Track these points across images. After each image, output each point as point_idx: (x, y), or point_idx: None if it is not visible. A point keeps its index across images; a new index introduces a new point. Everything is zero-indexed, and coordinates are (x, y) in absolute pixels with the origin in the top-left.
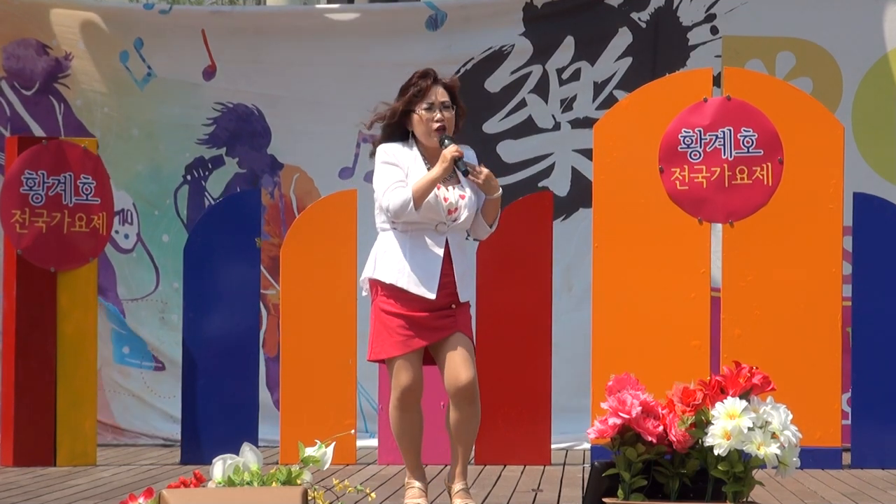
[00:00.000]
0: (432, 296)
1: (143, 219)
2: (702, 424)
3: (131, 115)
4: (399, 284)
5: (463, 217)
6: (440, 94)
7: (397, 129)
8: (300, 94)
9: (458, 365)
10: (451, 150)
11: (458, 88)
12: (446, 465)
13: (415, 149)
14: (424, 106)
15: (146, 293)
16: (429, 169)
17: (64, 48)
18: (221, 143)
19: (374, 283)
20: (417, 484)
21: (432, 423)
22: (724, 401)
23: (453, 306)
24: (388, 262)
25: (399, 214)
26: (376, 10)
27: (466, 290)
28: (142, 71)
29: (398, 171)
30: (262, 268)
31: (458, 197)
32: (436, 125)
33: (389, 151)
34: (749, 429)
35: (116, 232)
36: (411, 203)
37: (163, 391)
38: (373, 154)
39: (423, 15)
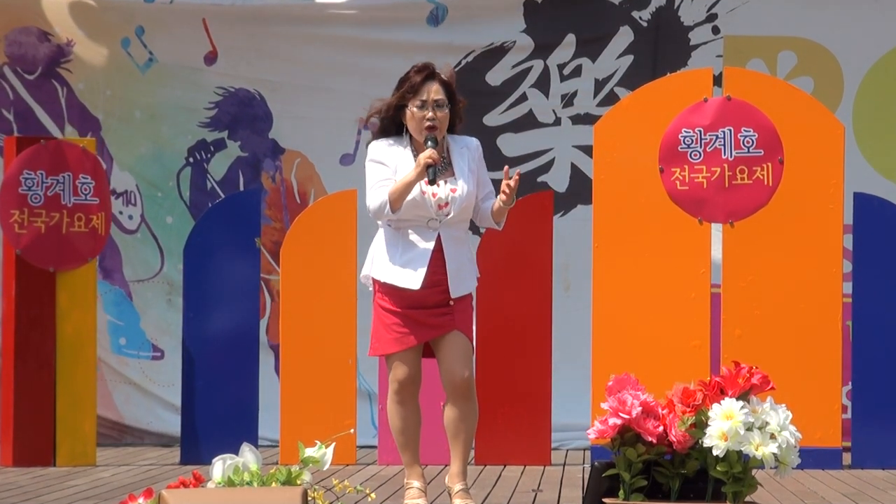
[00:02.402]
0: (416, 287)
1: (146, 201)
2: (702, 425)
3: (133, 98)
4: (389, 281)
5: (455, 211)
6: (434, 92)
7: (391, 123)
8: (301, 81)
9: (454, 363)
10: (425, 156)
11: (455, 83)
12: (446, 465)
13: (407, 145)
14: (417, 103)
15: (152, 274)
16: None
17: (66, 35)
18: (223, 126)
19: (374, 280)
20: (416, 484)
21: (433, 424)
22: (721, 402)
23: (451, 303)
24: (381, 259)
25: (378, 215)
26: (378, 6)
27: (462, 285)
28: (143, 56)
29: (385, 169)
30: (264, 252)
31: (450, 191)
32: (427, 124)
33: (378, 149)
34: (747, 429)
35: (120, 213)
36: (388, 206)
37: (161, 380)
38: (371, 140)
39: (424, 11)
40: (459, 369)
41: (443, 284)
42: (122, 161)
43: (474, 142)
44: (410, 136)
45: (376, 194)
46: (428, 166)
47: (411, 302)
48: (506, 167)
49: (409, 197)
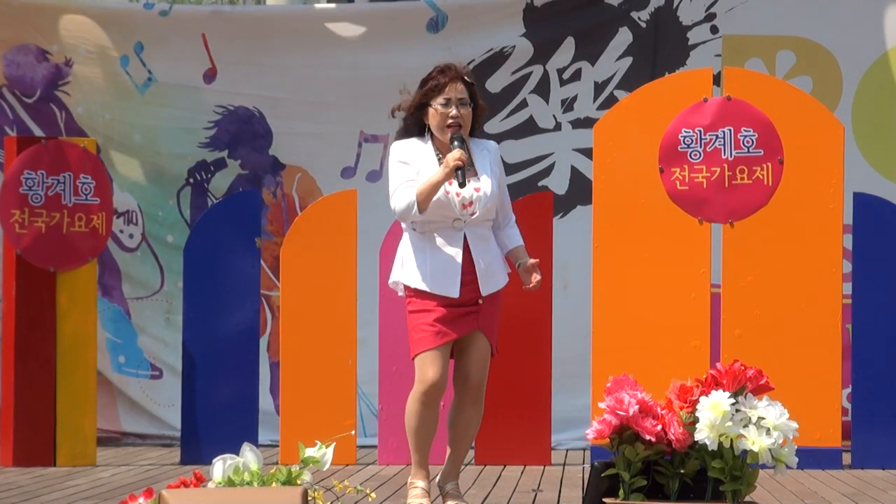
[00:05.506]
0: (455, 295)
1: (147, 219)
2: (699, 421)
3: (133, 121)
4: (423, 288)
5: (480, 210)
6: (458, 91)
7: (414, 122)
8: (301, 95)
9: (471, 365)
10: (454, 157)
11: (475, 85)
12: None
13: (429, 144)
14: (441, 101)
15: (151, 292)
16: (441, 164)
17: (64, 54)
18: (223, 145)
19: (405, 286)
20: (421, 484)
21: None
22: (709, 395)
23: (479, 301)
24: (412, 265)
25: (405, 217)
26: (377, 15)
27: (492, 281)
28: (142, 76)
29: (409, 169)
30: (265, 268)
31: (473, 191)
32: (450, 121)
33: (401, 149)
34: (744, 425)
35: (121, 231)
36: (415, 206)
37: (161, 399)
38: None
39: (424, 17)
40: (475, 373)
41: (473, 283)
42: (121, 183)
43: (493, 145)
44: (432, 135)
45: (403, 194)
46: (457, 168)
47: (443, 301)
48: (536, 261)
49: (434, 198)
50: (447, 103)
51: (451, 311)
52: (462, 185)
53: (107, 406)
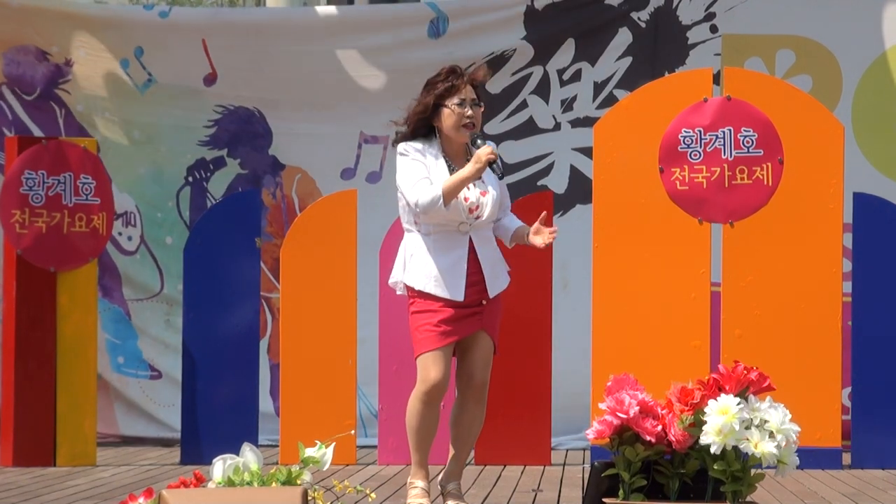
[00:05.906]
0: (461, 299)
1: (146, 221)
2: (700, 424)
3: (132, 119)
4: (428, 290)
5: (486, 214)
6: (470, 92)
7: (424, 124)
8: (301, 96)
9: (475, 365)
10: (486, 152)
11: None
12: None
13: (436, 146)
14: (456, 101)
15: (151, 295)
16: (449, 166)
17: (64, 55)
18: (223, 144)
19: (408, 287)
20: (420, 484)
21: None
22: (717, 398)
23: (483, 302)
24: (416, 266)
25: (427, 210)
26: (378, 17)
27: (497, 283)
28: (142, 77)
29: (423, 167)
30: (265, 270)
31: (480, 194)
32: (466, 121)
33: (412, 147)
34: (746, 427)
35: (119, 234)
36: (441, 200)
37: (161, 399)
38: (396, 143)
39: (425, 19)
40: (479, 372)
41: (480, 284)
42: (121, 182)
43: (492, 145)
44: (439, 137)
45: (426, 190)
46: (491, 163)
47: (448, 302)
48: (544, 213)
49: (459, 193)
50: (462, 103)
51: (456, 312)
52: (501, 177)
53: (104, 409)
